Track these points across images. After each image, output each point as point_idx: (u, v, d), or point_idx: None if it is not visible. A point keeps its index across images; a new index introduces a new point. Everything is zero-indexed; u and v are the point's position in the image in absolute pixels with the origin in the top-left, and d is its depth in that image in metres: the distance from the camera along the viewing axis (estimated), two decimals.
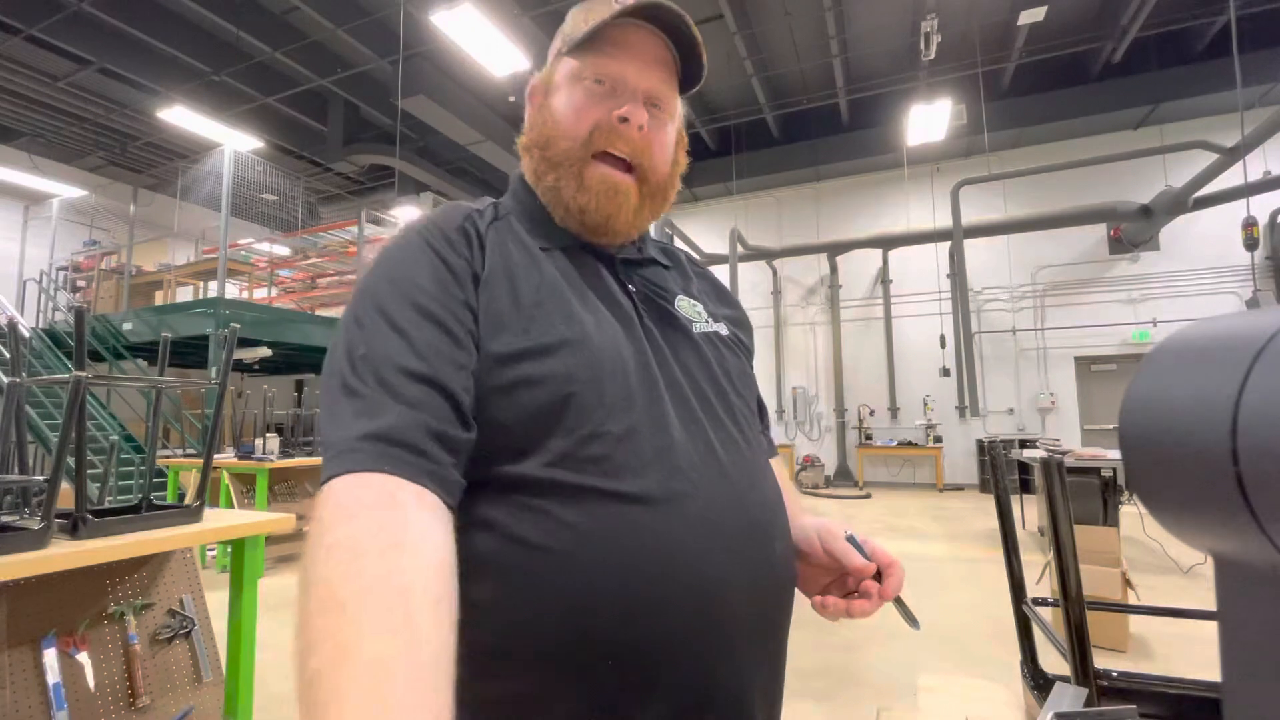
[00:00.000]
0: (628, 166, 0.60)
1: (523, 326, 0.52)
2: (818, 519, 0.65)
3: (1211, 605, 0.27)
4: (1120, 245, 8.71)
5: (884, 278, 9.83)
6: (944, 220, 8.64)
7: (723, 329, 0.66)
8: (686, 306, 0.64)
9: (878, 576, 0.60)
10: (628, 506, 0.47)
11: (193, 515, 1.72)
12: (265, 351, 7.68)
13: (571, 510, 0.47)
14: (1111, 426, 8.54)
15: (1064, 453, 4.13)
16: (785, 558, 0.57)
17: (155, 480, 3.11)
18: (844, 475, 9.69)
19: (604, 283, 0.59)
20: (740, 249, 9.26)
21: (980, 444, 9.00)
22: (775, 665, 0.57)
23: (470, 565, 0.43)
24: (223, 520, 1.77)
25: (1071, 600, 1.35)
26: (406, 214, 9.87)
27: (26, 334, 7.61)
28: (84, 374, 1.41)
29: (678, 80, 0.63)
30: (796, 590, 0.62)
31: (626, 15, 0.57)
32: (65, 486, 1.52)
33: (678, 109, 0.64)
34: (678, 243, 9.08)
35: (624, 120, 0.58)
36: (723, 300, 0.72)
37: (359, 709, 0.31)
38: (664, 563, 0.46)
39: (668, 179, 0.64)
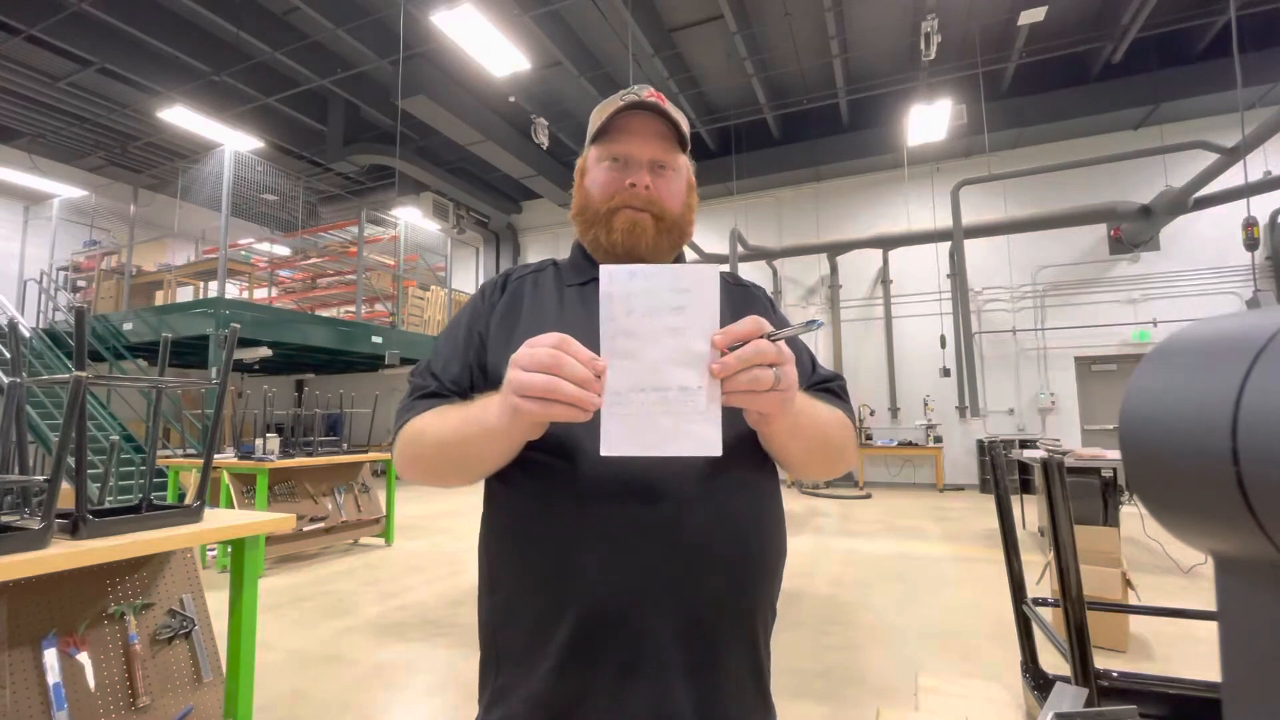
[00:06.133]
0: (644, 212, 0.80)
1: (507, 339, 0.77)
2: None
3: (1211, 605, 0.27)
4: (1120, 245, 8.71)
5: (884, 278, 9.83)
6: (944, 220, 8.64)
7: None
8: None
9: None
10: (560, 446, 0.70)
11: (193, 515, 1.72)
12: (265, 351, 7.68)
13: (529, 448, 0.68)
14: (1112, 427, 8.54)
15: (1064, 453, 4.13)
16: (683, 490, 0.69)
17: (155, 480, 3.11)
18: (844, 475, 9.69)
19: None
20: (740, 249, 9.25)
21: (980, 444, 8.99)
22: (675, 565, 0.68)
23: (493, 485, 0.76)
24: (223, 520, 1.77)
25: (1071, 600, 1.35)
26: (406, 214, 9.88)
27: (27, 334, 7.62)
28: (84, 374, 1.41)
29: (677, 144, 0.82)
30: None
31: (625, 110, 0.79)
32: (65, 486, 1.52)
33: (682, 163, 0.83)
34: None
35: (633, 185, 0.78)
36: (740, 309, 0.87)
37: (431, 420, 0.73)
38: (580, 479, 0.69)
39: (680, 216, 0.82)
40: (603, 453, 0.55)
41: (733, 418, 0.59)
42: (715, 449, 0.55)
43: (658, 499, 0.67)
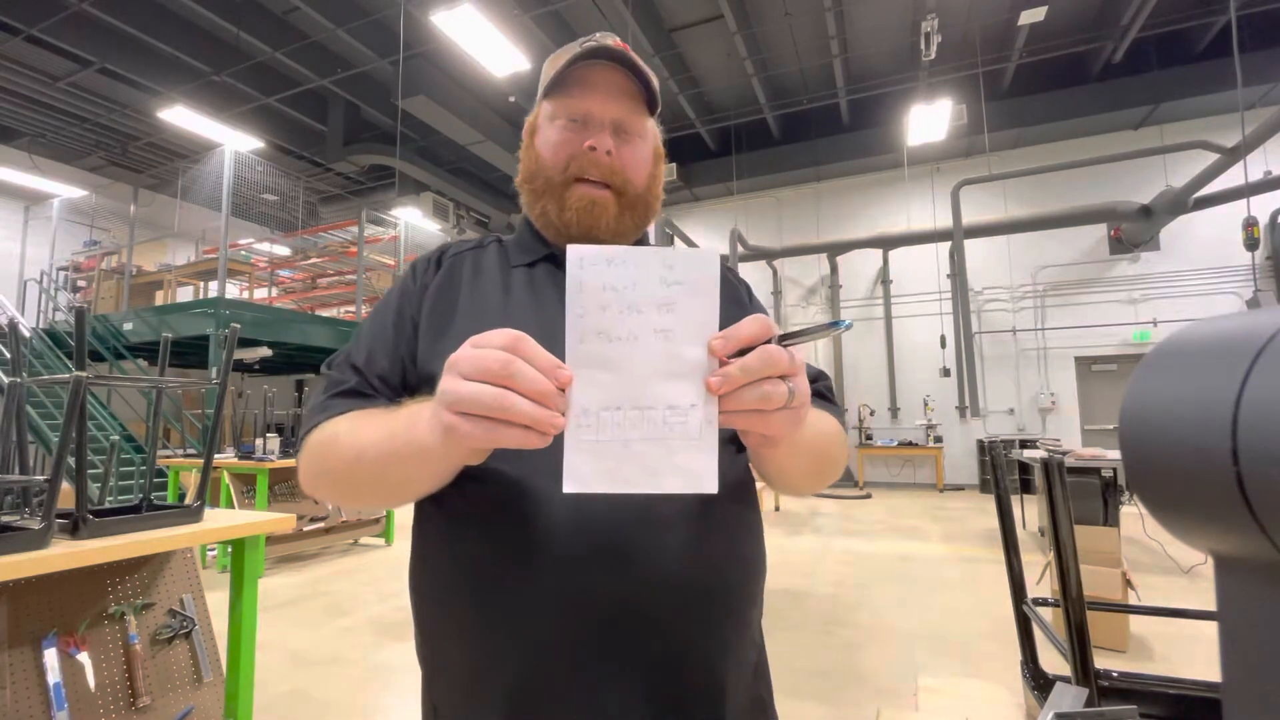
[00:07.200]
0: (605, 186, 0.67)
1: (439, 329, 0.65)
2: None
3: (1211, 605, 0.27)
4: (1121, 245, 8.71)
5: (884, 278, 9.83)
6: (944, 220, 8.64)
7: None
8: None
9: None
10: (509, 466, 0.58)
11: (193, 515, 1.72)
12: (265, 351, 7.68)
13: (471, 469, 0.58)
14: (1112, 427, 8.54)
15: (1064, 453, 4.13)
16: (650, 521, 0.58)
17: (155, 480, 3.12)
18: (844, 475, 9.67)
19: (557, 287, 0.63)
20: (740, 249, 9.26)
21: (980, 444, 8.99)
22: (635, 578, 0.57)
23: (425, 504, 0.64)
24: (223, 520, 1.77)
25: (1071, 600, 1.35)
26: (406, 214, 9.88)
27: (27, 334, 7.61)
28: (84, 374, 1.41)
29: (645, 105, 0.70)
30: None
31: (585, 58, 0.66)
32: (66, 486, 1.52)
33: (649, 128, 0.72)
34: (677, 243, 9.11)
35: (593, 149, 0.66)
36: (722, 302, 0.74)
37: (347, 426, 0.58)
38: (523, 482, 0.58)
39: (645, 189, 0.71)
40: (566, 489, 0.42)
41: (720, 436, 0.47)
42: (710, 485, 0.43)
43: (625, 534, 0.55)
